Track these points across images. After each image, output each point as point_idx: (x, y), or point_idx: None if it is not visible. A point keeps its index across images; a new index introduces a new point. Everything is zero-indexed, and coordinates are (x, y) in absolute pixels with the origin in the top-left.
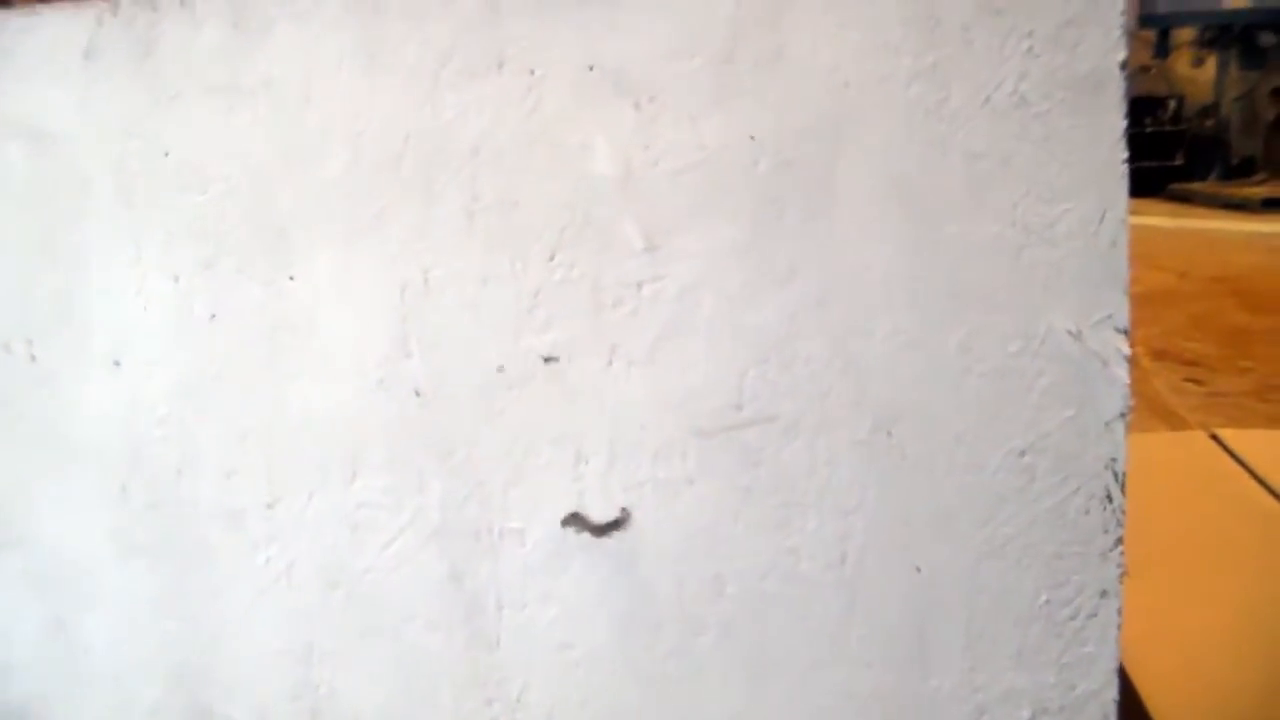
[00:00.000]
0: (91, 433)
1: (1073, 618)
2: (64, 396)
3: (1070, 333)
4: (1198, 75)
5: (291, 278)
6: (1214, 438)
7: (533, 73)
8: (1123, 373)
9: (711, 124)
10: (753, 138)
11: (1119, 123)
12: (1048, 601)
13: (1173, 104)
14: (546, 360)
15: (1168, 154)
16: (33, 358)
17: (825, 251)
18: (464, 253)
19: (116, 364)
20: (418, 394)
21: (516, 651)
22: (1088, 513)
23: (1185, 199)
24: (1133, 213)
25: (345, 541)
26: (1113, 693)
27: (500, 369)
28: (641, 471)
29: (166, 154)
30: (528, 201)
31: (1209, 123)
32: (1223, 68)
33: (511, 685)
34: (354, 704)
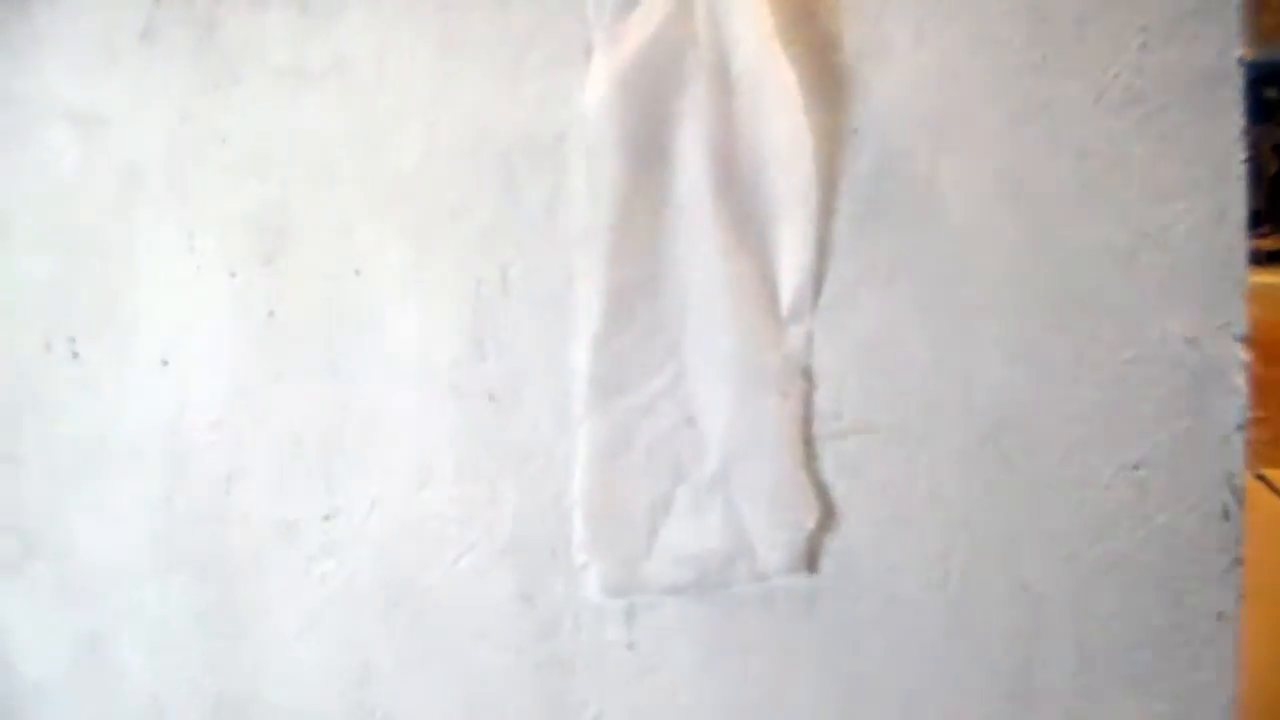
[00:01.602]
0: (135, 437)
1: (1188, 643)
2: (107, 398)
3: (1186, 340)
4: None
5: (358, 272)
6: (1260, 478)
7: None
8: (1242, 382)
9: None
10: (856, 131)
11: (1238, 120)
12: (1161, 625)
13: None
14: None
15: None
16: (75, 355)
17: (929, 253)
18: (545, 248)
19: (165, 364)
20: (491, 399)
21: (593, 677)
22: (1204, 530)
23: None
24: None
25: (409, 556)
26: None
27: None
28: None
29: (224, 140)
30: None
31: None
32: None
33: (586, 713)
34: None
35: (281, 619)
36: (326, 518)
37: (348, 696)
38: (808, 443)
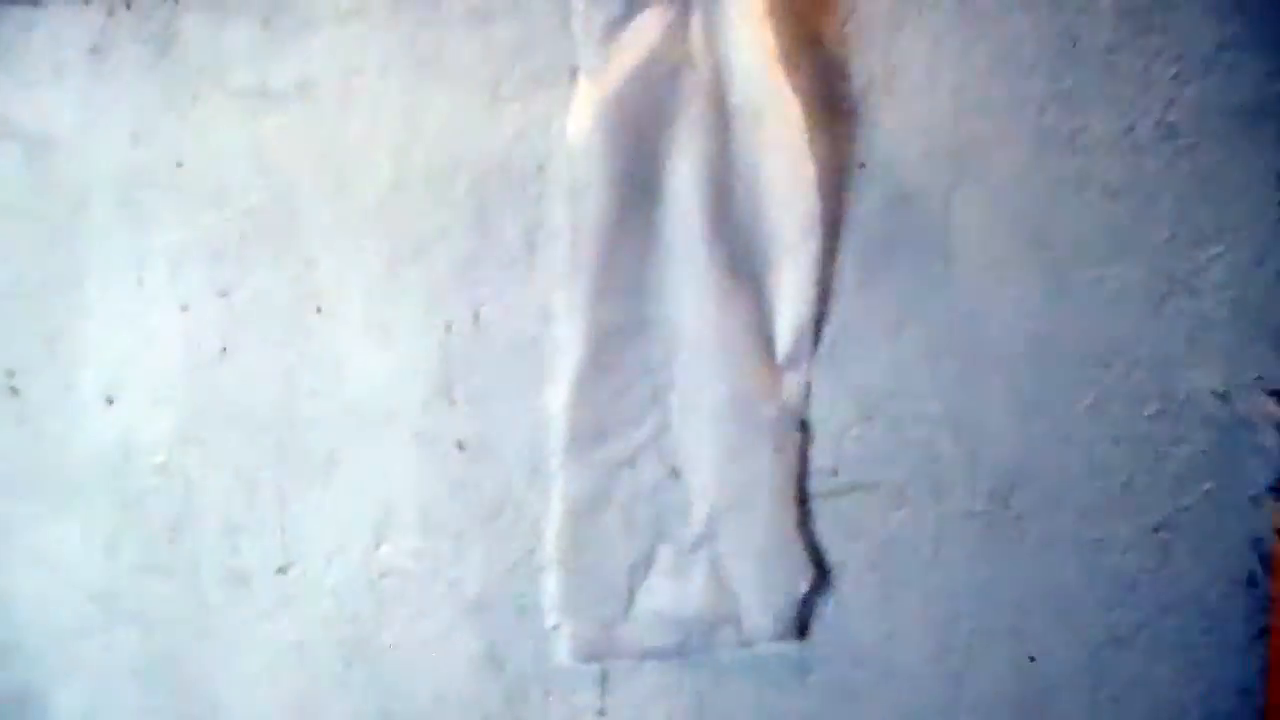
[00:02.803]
0: (78, 479)
1: (1208, 718)
2: (48, 437)
3: (1215, 394)
4: None
5: (319, 309)
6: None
7: None
8: (1274, 441)
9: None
10: (863, 166)
11: (1277, 159)
12: (1180, 701)
13: None
14: None
15: None
16: (14, 391)
17: (940, 298)
18: (521, 287)
19: (110, 401)
20: (460, 447)
21: None
22: (1228, 598)
23: None
24: None
25: (368, 613)
26: None
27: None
28: None
29: (180, 164)
30: None
31: None
32: None
33: None
34: None
35: (231, 678)
36: (280, 570)
37: None
38: (802, 500)
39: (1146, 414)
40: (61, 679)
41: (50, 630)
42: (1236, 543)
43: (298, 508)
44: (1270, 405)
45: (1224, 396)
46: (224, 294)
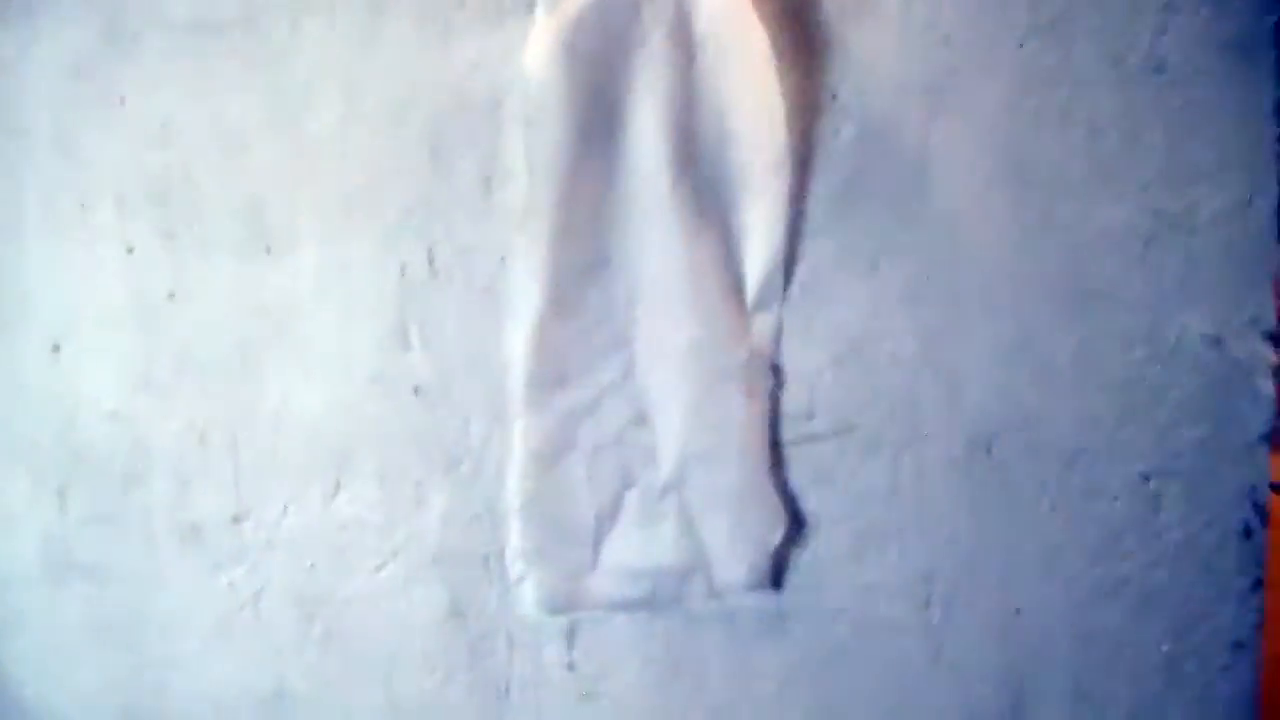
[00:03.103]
0: (25, 430)
1: (1201, 672)
2: None
3: (1207, 337)
4: None
5: (268, 250)
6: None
7: None
8: (1268, 385)
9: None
10: (835, 99)
11: (1271, 94)
12: (1171, 653)
13: None
14: None
15: None
16: None
17: (916, 236)
18: (478, 227)
19: (56, 349)
20: (417, 393)
21: (530, 702)
22: (1222, 549)
23: None
24: None
25: (326, 565)
26: None
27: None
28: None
29: (122, 101)
30: None
31: None
32: None
33: None
34: None
35: (186, 632)
36: (235, 520)
37: (260, 719)
38: (774, 446)
39: (1135, 358)
40: (11, 633)
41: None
42: (1230, 492)
43: (251, 456)
44: (1264, 349)
45: (1216, 340)
46: (170, 235)
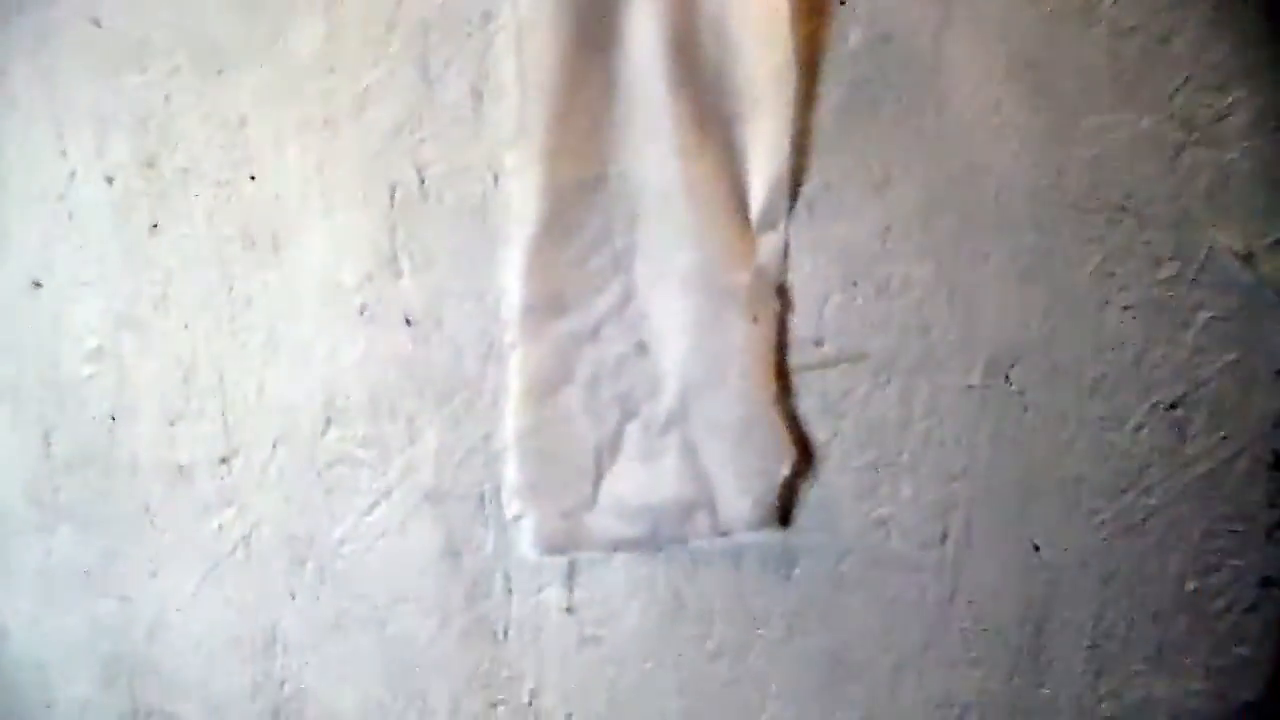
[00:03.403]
0: (6, 370)
1: (1226, 610)
2: None
3: (1238, 254)
4: None
5: (252, 177)
6: None
7: None
8: None
9: None
10: (843, 2)
11: None
12: (1196, 590)
13: None
14: None
15: None
16: None
17: (930, 149)
18: (470, 146)
19: (37, 285)
20: (408, 323)
21: (528, 646)
22: (1251, 481)
23: None
24: None
25: (317, 505)
26: (1274, 704)
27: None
28: None
29: (97, 24)
30: None
31: None
32: None
33: (521, 686)
34: (326, 704)
35: (176, 576)
36: (223, 461)
37: (253, 666)
38: (781, 375)
39: (1161, 277)
40: (3, 579)
41: None
42: (1260, 420)
43: (238, 393)
44: None
45: (1247, 257)
46: (151, 164)
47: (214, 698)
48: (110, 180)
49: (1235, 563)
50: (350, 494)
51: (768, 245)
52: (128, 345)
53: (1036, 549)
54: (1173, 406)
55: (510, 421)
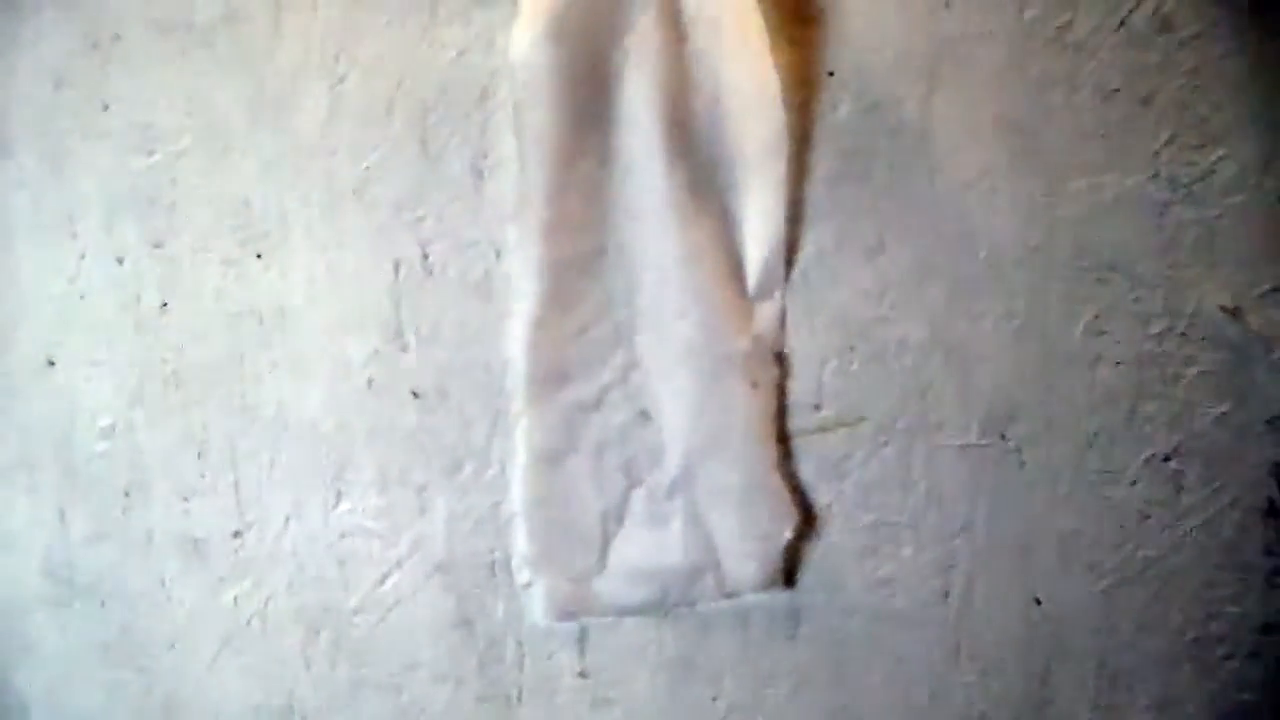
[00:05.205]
0: (20, 448)
1: (1228, 657)
2: None
3: (1226, 309)
4: None
5: (259, 256)
6: None
7: None
8: None
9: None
10: (832, 74)
11: None
12: (1197, 638)
13: None
14: None
15: None
16: None
17: (922, 214)
18: (471, 222)
19: (51, 364)
20: (415, 395)
21: (541, 710)
22: (1246, 530)
23: None
24: None
25: (330, 576)
26: None
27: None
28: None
29: (106, 108)
30: None
31: None
32: None
33: None
34: None
35: (192, 649)
36: (236, 534)
37: None
38: (782, 439)
39: (1152, 333)
40: (19, 658)
41: (2, 608)
42: (1253, 470)
43: (250, 467)
44: None
45: (1235, 311)
46: (159, 244)
47: None
48: (120, 261)
49: (1235, 610)
50: (363, 564)
51: (765, 313)
52: (140, 421)
53: (1038, 602)
54: (1167, 459)
55: (518, 490)
